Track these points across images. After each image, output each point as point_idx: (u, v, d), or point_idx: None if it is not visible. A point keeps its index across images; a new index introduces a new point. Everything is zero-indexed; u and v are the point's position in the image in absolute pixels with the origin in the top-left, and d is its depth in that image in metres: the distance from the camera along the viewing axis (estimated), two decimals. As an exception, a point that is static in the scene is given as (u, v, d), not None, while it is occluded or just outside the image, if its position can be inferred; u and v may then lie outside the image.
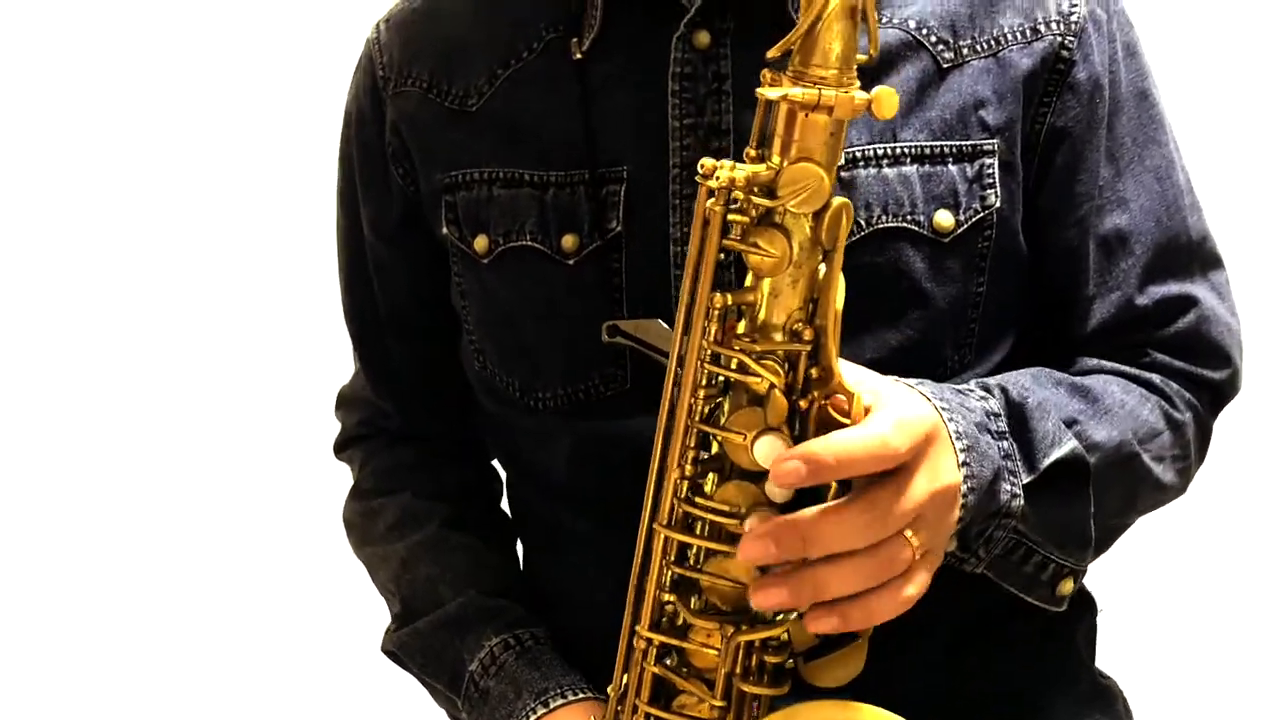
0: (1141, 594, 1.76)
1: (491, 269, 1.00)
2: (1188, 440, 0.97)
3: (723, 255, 0.75)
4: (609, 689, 0.87)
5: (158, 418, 1.93)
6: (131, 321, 1.91)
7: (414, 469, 1.15)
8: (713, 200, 0.74)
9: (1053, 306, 0.99)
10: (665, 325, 0.91)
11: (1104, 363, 0.97)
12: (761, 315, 0.76)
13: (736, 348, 0.75)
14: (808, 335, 0.76)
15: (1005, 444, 0.85)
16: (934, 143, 0.92)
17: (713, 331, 0.76)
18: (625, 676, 0.85)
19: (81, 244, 1.89)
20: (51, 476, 1.94)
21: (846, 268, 0.83)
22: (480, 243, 1.00)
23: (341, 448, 1.23)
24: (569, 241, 0.96)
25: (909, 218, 0.91)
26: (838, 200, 0.73)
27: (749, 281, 0.76)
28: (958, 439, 0.80)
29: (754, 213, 0.74)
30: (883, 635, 0.80)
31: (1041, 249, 0.97)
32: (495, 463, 1.19)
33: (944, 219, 0.92)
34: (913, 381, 0.83)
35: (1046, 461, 0.86)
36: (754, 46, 0.81)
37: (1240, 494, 1.81)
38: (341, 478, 1.22)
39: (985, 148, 0.93)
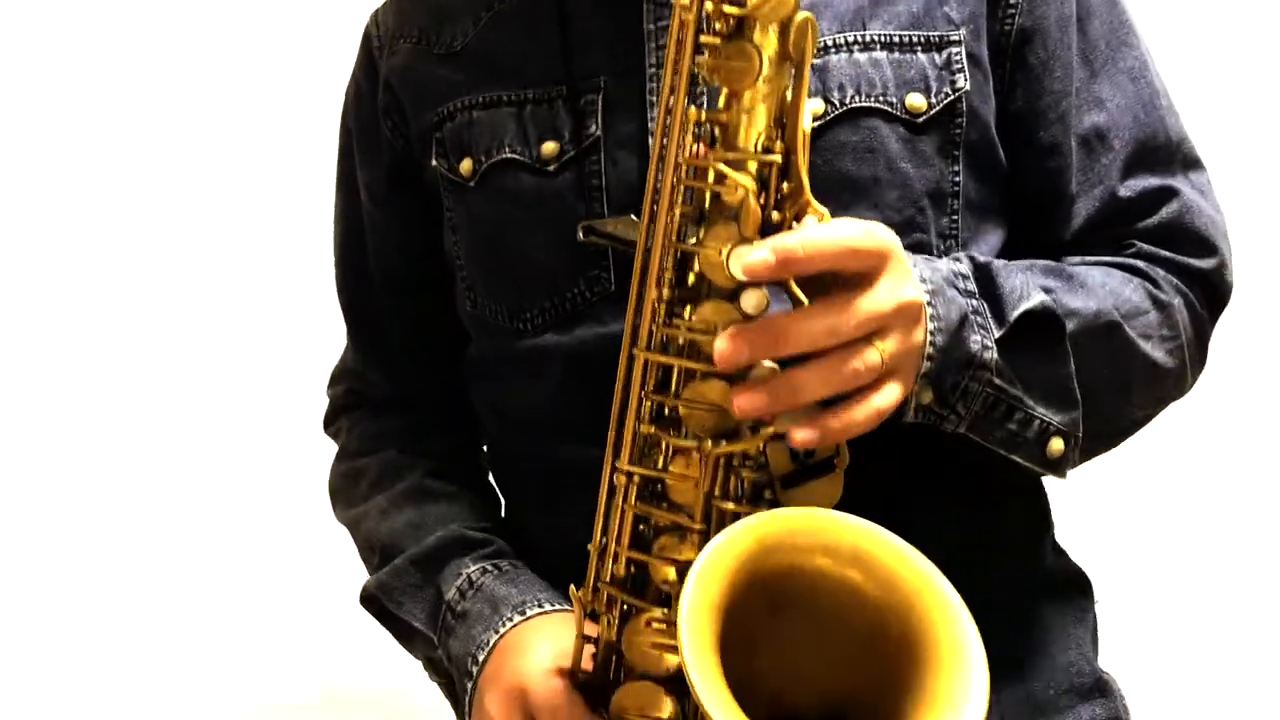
0: (1138, 589, 1.74)
1: (477, 190, 1.03)
2: (1177, 321, 0.98)
3: (696, 63, 0.79)
4: (588, 546, 0.87)
5: (156, 413, 1.92)
6: (128, 317, 1.92)
7: (400, 432, 1.17)
8: (685, 10, 0.79)
9: (1037, 210, 1.01)
10: (638, 219, 0.94)
11: (1087, 258, 0.99)
12: (735, 134, 0.79)
13: (712, 159, 0.79)
14: (778, 149, 0.79)
15: (974, 301, 0.87)
16: (902, 32, 0.96)
17: (688, 145, 0.80)
18: (604, 536, 0.86)
19: (82, 238, 1.90)
20: (45, 467, 1.92)
21: (823, 146, 0.88)
22: (465, 166, 1.04)
23: (330, 421, 1.24)
24: (549, 148, 1.00)
25: (881, 98, 0.95)
26: (802, 13, 0.77)
27: (721, 103, 0.80)
28: (922, 282, 0.83)
29: (724, 28, 0.78)
30: None
31: (1025, 150, 1.00)
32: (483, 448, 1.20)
33: (916, 100, 0.95)
34: None
35: (1015, 313, 0.88)
36: None
37: (1239, 490, 1.80)
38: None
39: (951, 37, 0.97)
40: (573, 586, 0.88)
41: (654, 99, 0.97)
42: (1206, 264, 1.01)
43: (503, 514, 1.14)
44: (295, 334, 1.80)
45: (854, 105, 0.95)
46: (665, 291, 0.81)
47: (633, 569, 0.86)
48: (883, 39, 0.96)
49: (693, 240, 0.81)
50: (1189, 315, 1.00)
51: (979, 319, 0.87)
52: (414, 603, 1.06)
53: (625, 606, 0.86)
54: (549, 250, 1.00)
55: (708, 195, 0.80)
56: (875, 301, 0.78)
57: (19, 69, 1.88)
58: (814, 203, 0.80)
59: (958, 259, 0.90)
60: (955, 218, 0.97)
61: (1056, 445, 0.91)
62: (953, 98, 0.96)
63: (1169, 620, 1.81)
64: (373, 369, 1.19)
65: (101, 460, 1.90)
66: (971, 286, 0.88)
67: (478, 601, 1.00)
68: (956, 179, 0.97)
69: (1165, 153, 1.02)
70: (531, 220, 1.01)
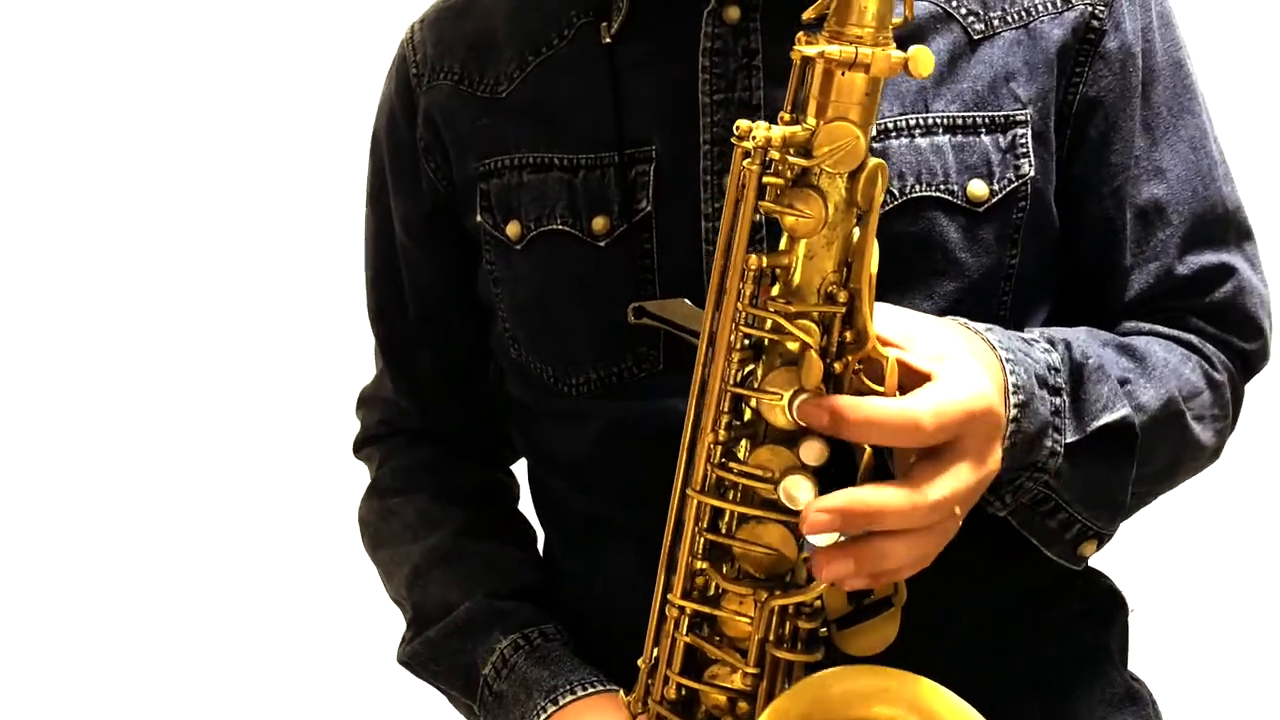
0: (1173, 596, 1.75)
1: (524, 254, 1.00)
2: (1226, 400, 0.97)
3: (758, 216, 0.75)
4: (639, 661, 0.86)
5: (176, 420, 1.93)
6: (151, 324, 1.92)
7: (432, 468, 1.15)
8: (748, 160, 0.74)
9: (1089, 279, 0.98)
10: (691, 304, 0.92)
11: (1142, 324, 0.97)
12: (796, 278, 0.76)
13: (771, 309, 0.75)
14: (842, 298, 0.76)
15: (1059, 400, 0.84)
16: (966, 113, 0.92)
17: (748, 293, 0.76)
18: (655, 649, 0.85)
19: (107, 247, 1.90)
20: (64, 478, 1.94)
21: (880, 237, 0.83)
22: (512, 229, 1.00)
23: (360, 446, 1.23)
24: (599, 223, 0.96)
25: (942, 187, 0.91)
26: (873, 161, 0.73)
27: (783, 245, 0.76)
28: (1014, 392, 0.80)
29: (789, 174, 0.74)
30: (912, 627, 0.81)
31: (1077, 220, 0.96)
32: (518, 462, 1.19)
33: (978, 188, 0.91)
34: (981, 327, 0.83)
35: (1096, 424, 0.86)
36: (784, 20, 0.81)
37: (1274, 497, 1.80)
38: (359, 479, 1.22)
39: (1018, 118, 0.92)
40: (623, 694, 0.88)
41: (708, 177, 0.94)
42: (1252, 346, 1.00)
43: (540, 546, 1.13)
44: (323, 344, 1.78)
45: (914, 195, 0.91)
46: (722, 434, 0.78)
47: (683, 691, 0.85)
48: (945, 121, 0.92)
49: (749, 369, 0.78)
50: (1231, 391, 0.99)
51: (1057, 421, 0.84)
52: (450, 674, 1.06)
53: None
54: (598, 325, 0.97)
55: (766, 340, 0.77)
56: (959, 482, 0.75)
57: (42, 86, 1.84)
58: (879, 347, 0.77)
59: (1051, 344, 0.87)
60: (1007, 298, 0.94)
61: (1089, 549, 0.91)
62: (1015, 185, 0.92)
63: (1200, 623, 1.82)
64: (405, 398, 1.17)
65: (125, 470, 1.91)
66: (1060, 382, 0.85)
67: (512, 684, 1.00)
68: (1013, 261, 0.94)
69: (1222, 225, 0.99)
70: (581, 294, 0.98)
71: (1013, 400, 0.79)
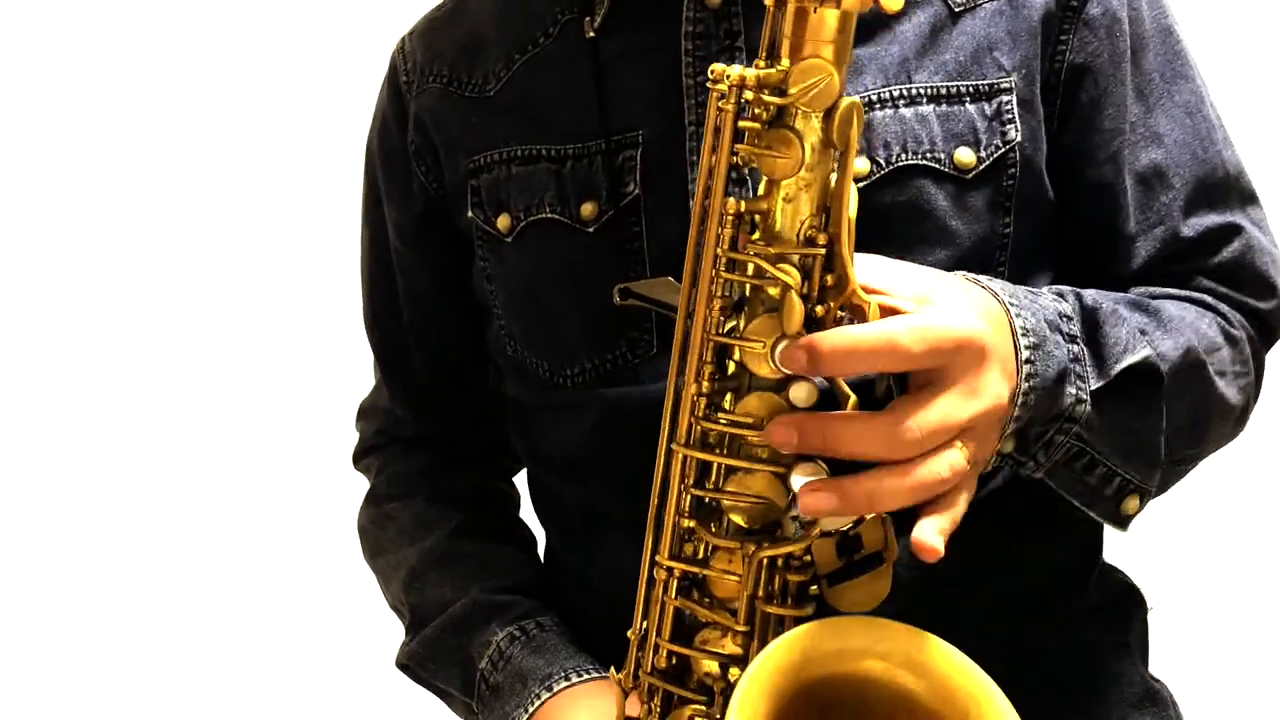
0: (1193, 596, 1.72)
1: (515, 246, 1.01)
2: (1246, 357, 0.96)
3: (735, 159, 0.75)
4: (628, 633, 0.85)
5: (177, 430, 1.93)
6: (149, 335, 1.92)
7: (428, 474, 1.15)
8: (723, 101, 0.74)
9: (1091, 248, 0.97)
10: (675, 281, 0.91)
11: (1154, 289, 0.96)
12: (775, 223, 0.75)
13: (751, 252, 0.75)
14: (821, 241, 0.75)
15: (1075, 347, 0.83)
16: (950, 83, 0.92)
17: (726, 238, 0.76)
18: (644, 620, 0.84)
19: (107, 256, 1.90)
20: (66, 487, 1.93)
21: (869, 207, 0.83)
22: (503, 221, 1.01)
23: (359, 457, 1.23)
24: (588, 209, 0.97)
25: (929, 155, 0.91)
26: (847, 99, 0.73)
27: (761, 190, 0.76)
28: (1024, 335, 0.79)
29: (765, 115, 0.74)
30: (925, 617, 0.79)
31: (1075, 190, 0.96)
32: (516, 465, 1.18)
33: (965, 155, 0.91)
34: (984, 279, 0.82)
35: (1119, 367, 0.84)
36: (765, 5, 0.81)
37: None
38: (358, 490, 1.22)
39: (1002, 85, 0.92)
40: (614, 670, 0.86)
41: (694, 158, 0.94)
42: (1267, 305, 0.98)
43: (540, 546, 1.13)
44: (322, 356, 1.78)
45: (900, 164, 0.91)
46: (705, 385, 0.78)
47: (674, 660, 0.83)
48: (929, 91, 0.92)
49: (731, 325, 0.78)
50: (1252, 351, 0.97)
51: (1078, 367, 0.83)
52: (447, 672, 1.05)
53: (666, 694, 0.83)
54: (590, 312, 0.97)
55: (748, 287, 0.76)
56: (944, 412, 0.74)
57: (48, 89, 1.86)
58: (860, 292, 0.76)
59: (1061, 295, 0.86)
60: (1003, 268, 0.94)
61: (1132, 504, 0.88)
62: (1003, 150, 0.92)
63: (1221, 624, 1.79)
64: (400, 405, 1.17)
65: (125, 480, 1.90)
66: (1075, 329, 0.84)
67: (507, 675, 1.00)
68: (1007, 230, 0.94)
69: (1224, 188, 0.98)
70: (572, 281, 0.98)
71: (1023, 343, 0.78)
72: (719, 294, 0.77)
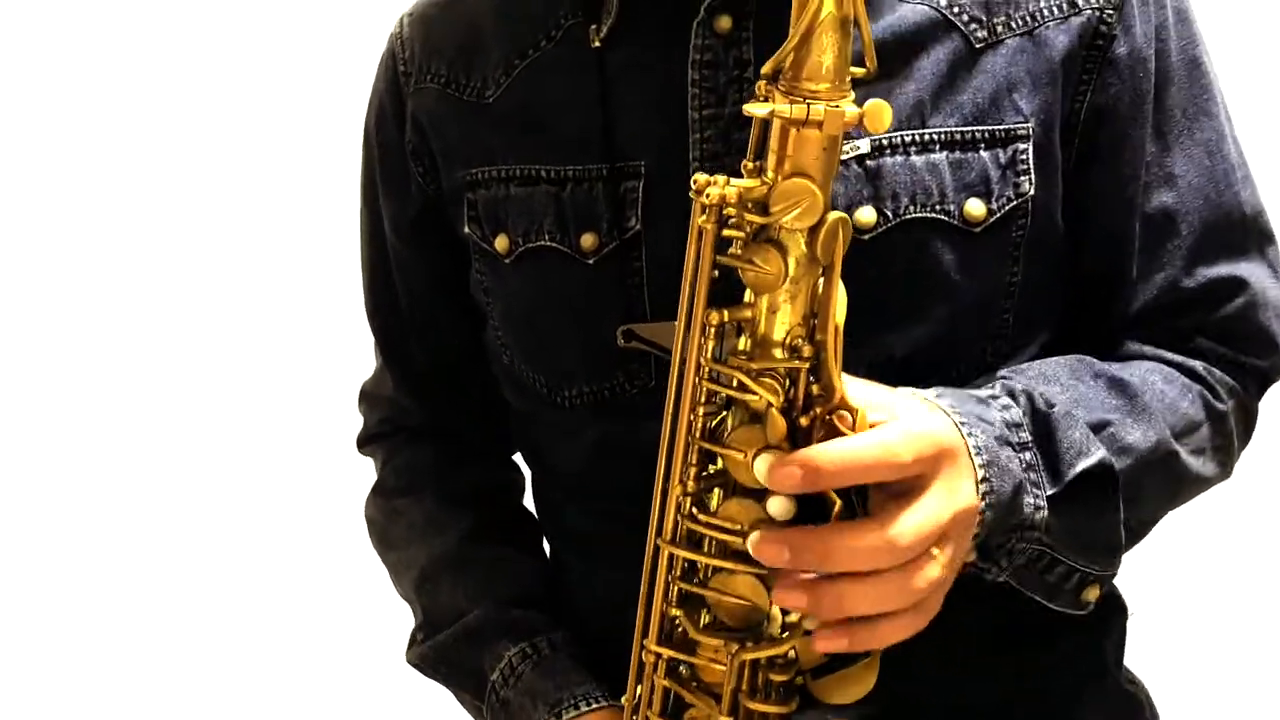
0: (1172, 596, 1.71)
1: (513, 269, 0.99)
2: (1229, 429, 0.94)
3: (715, 273, 0.74)
4: (624, 699, 0.86)
5: (179, 417, 1.96)
6: (151, 320, 1.94)
7: (434, 469, 1.15)
8: (704, 218, 0.72)
9: (1095, 291, 0.95)
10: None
11: (1146, 348, 0.94)
12: (760, 331, 0.74)
13: (734, 364, 0.74)
14: (807, 351, 0.74)
15: (1028, 455, 0.82)
16: (965, 128, 0.88)
17: (709, 349, 0.74)
18: (639, 687, 0.85)
19: (108, 246, 1.91)
20: (68, 476, 1.97)
21: (873, 259, 0.81)
22: (501, 242, 0.99)
23: (364, 443, 1.23)
24: (588, 241, 0.95)
25: (938, 207, 0.88)
26: (834, 215, 0.71)
27: (747, 297, 0.75)
28: (976, 454, 0.78)
29: (749, 229, 0.72)
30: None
31: (1084, 231, 0.93)
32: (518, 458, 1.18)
33: (975, 208, 0.88)
34: (931, 393, 0.81)
35: (1072, 473, 0.82)
36: (779, 30, 0.77)
37: (1273, 498, 1.75)
38: (363, 472, 1.23)
39: (1019, 132, 0.89)
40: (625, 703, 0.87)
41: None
42: (1265, 363, 0.96)
43: (546, 550, 1.13)
44: (324, 336, 1.78)
45: (908, 216, 0.88)
46: (690, 485, 0.77)
47: (667, 732, 0.85)
48: (942, 137, 0.88)
49: (719, 420, 0.77)
50: (1239, 414, 0.95)
51: (1033, 476, 0.82)
52: (460, 678, 1.06)
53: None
54: (589, 343, 0.96)
55: (732, 394, 0.75)
56: (929, 516, 0.73)
57: (48, 86, 1.85)
58: (849, 398, 0.75)
59: (1009, 403, 0.84)
60: (1008, 316, 0.91)
61: (1092, 593, 0.88)
62: (1015, 204, 0.89)
63: (1198, 622, 1.78)
64: (404, 395, 1.17)
65: (126, 467, 1.93)
66: (1026, 438, 0.82)
67: (518, 693, 1.01)
68: (1014, 279, 0.91)
69: (1238, 232, 0.95)
70: (572, 312, 0.97)
71: (977, 462, 0.77)
72: (703, 401, 0.76)
